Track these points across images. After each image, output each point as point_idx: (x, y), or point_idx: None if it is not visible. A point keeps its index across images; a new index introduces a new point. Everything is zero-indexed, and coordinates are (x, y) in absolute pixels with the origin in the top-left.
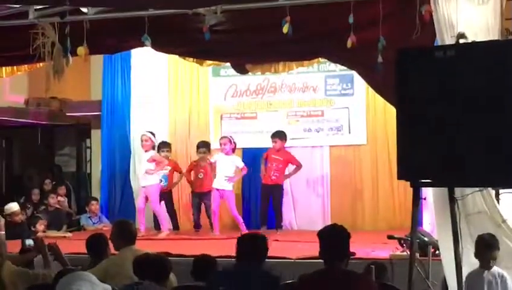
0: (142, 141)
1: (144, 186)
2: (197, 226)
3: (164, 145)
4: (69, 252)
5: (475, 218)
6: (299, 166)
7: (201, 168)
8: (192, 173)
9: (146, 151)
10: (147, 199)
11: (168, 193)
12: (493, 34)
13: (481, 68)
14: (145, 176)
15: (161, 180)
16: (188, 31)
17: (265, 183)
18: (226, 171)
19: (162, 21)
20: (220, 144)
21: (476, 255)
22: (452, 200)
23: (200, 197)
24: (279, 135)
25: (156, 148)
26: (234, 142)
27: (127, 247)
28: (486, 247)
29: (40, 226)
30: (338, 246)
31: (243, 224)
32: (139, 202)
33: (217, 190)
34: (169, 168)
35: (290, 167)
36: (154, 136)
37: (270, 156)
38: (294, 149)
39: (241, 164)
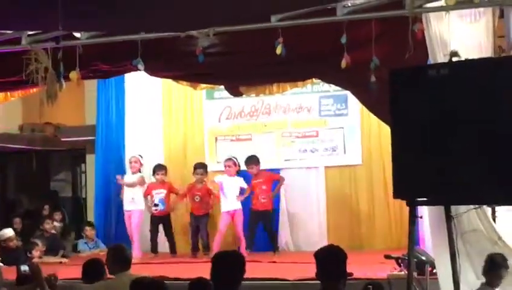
0: (131, 162)
1: (129, 211)
2: (194, 249)
3: (159, 168)
4: (66, 278)
5: (471, 236)
6: (281, 179)
7: (198, 191)
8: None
9: (134, 173)
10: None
11: (166, 216)
12: (486, 52)
13: (474, 86)
14: (133, 200)
15: (157, 205)
16: (181, 55)
17: (254, 209)
18: (235, 192)
19: (154, 45)
20: (225, 166)
21: (488, 273)
22: (449, 218)
23: (196, 219)
24: (253, 161)
25: (151, 171)
26: (238, 164)
27: (122, 272)
28: (499, 266)
29: (36, 252)
30: (335, 266)
31: (244, 247)
32: (128, 227)
33: (227, 212)
34: (165, 191)
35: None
36: (142, 159)
37: (252, 183)
38: (290, 170)
39: (245, 185)
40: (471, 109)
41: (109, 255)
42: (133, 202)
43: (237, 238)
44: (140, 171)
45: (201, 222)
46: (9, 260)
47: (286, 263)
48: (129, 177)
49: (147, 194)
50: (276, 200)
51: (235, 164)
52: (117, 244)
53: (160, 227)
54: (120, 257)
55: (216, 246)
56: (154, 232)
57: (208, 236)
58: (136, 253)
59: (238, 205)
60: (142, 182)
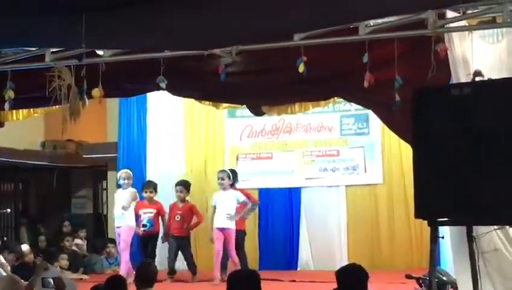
0: (123, 179)
1: (119, 227)
2: (171, 272)
3: (147, 186)
4: None
5: (491, 255)
6: (257, 202)
7: (179, 210)
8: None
9: (125, 188)
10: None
11: (153, 236)
12: (507, 72)
13: (498, 105)
14: (123, 215)
15: (145, 225)
16: (203, 74)
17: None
18: (227, 208)
19: (177, 65)
20: (218, 178)
21: None
22: (470, 238)
23: (176, 241)
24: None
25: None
26: (232, 177)
27: (145, 289)
28: None
29: (56, 268)
30: (356, 286)
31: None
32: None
33: (218, 229)
34: (154, 211)
35: None
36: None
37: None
38: (310, 189)
39: (242, 198)
40: (494, 128)
41: (136, 271)
42: (123, 217)
43: (231, 258)
44: (132, 186)
45: (182, 244)
46: (28, 276)
47: (306, 281)
48: (122, 195)
49: (135, 213)
50: (296, 218)
51: (228, 176)
52: (144, 261)
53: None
54: (142, 275)
55: (216, 266)
56: (142, 253)
57: (192, 256)
58: (122, 273)
59: (229, 225)
60: (135, 197)
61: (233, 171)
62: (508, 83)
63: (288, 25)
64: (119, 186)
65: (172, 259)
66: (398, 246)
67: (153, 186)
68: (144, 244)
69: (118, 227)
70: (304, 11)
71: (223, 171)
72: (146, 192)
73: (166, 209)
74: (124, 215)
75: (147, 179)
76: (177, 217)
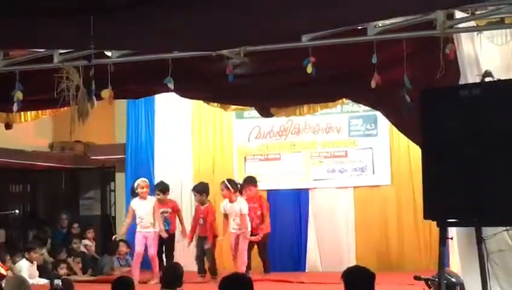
0: (140, 187)
1: (147, 232)
2: (200, 271)
3: (158, 188)
4: None
5: (496, 256)
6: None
7: (201, 213)
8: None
9: (145, 198)
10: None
11: (170, 236)
12: None
13: (507, 106)
14: (151, 225)
15: (164, 225)
16: (211, 76)
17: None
18: (235, 219)
19: (185, 66)
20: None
21: None
22: (480, 240)
23: (200, 240)
24: (253, 181)
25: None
26: (232, 187)
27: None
28: None
29: (62, 270)
30: (362, 287)
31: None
32: (139, 248)
33: (233, 233)
34: (169, 210)
35: None
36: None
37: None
38: (318, 190)
39: (244, 210)
40: (503, 129)
41: (163, 272)
42: (153, 225)
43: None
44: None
45: (205, 243)
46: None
47: (314, 283)
48: (144, 205)
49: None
50: (304, 219)
51: (226, 187)
52: (173, 263)
53: None
54: (169, 276)
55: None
56: (159, 253)
57: (214, 259)
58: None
59: (241, 230)
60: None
61: (231, 181)
62: None
63: (296, 26)
64: (135, 194)
65: (198, 260)
66: (406, 248)
67: (162, 188)
68: (160, 244)
69: (147, 233)
70: (312, 11)
71: (222, 182)
72: (159, 193)
73: None
74: (152, 224)
75: (159, 181)
76: (200, 221)
